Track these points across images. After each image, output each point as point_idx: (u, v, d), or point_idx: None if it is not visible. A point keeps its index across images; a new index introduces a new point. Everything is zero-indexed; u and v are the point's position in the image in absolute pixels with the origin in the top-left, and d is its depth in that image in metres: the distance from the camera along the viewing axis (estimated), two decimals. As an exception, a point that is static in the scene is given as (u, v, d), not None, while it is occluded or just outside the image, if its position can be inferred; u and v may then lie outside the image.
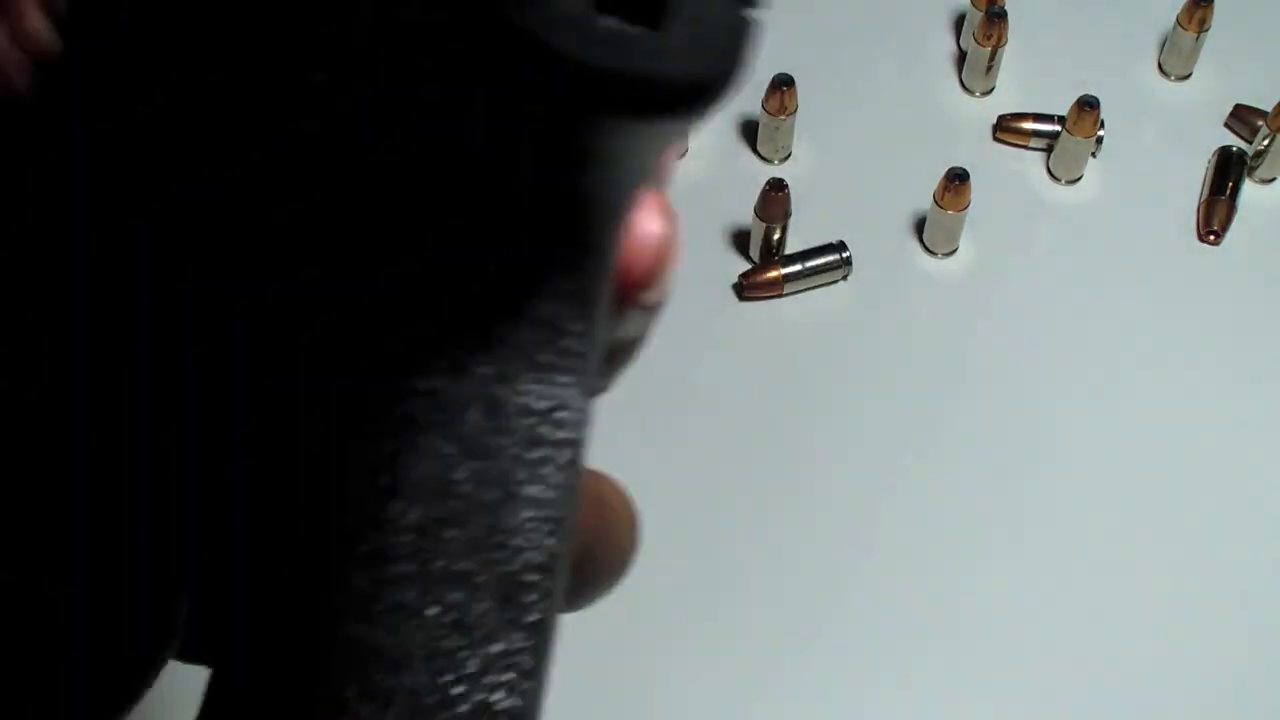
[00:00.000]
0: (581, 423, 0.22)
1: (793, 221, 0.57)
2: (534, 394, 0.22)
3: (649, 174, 0.22)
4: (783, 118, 0.59)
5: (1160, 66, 0.63)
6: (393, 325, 0.22)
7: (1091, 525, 0.52)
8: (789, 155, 0.61)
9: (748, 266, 0.58)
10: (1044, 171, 0.61)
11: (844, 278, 0.57)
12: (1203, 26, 0.61)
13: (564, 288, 0.22)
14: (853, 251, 0.57)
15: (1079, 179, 0.60)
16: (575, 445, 0.22)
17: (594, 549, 0.26)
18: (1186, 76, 0.63)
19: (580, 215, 0.21)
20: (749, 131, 0.61)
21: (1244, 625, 0.50)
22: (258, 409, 0.26)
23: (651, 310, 0.25)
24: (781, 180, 0.56)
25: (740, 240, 0.58)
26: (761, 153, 0.60)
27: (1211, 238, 0.59)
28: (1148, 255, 0.58)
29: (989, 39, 0.60)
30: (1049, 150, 0.60)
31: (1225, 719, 0.49)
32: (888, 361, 0.56)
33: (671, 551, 0.51)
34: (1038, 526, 0.52)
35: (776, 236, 0.57)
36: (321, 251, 0.26)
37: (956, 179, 0.56)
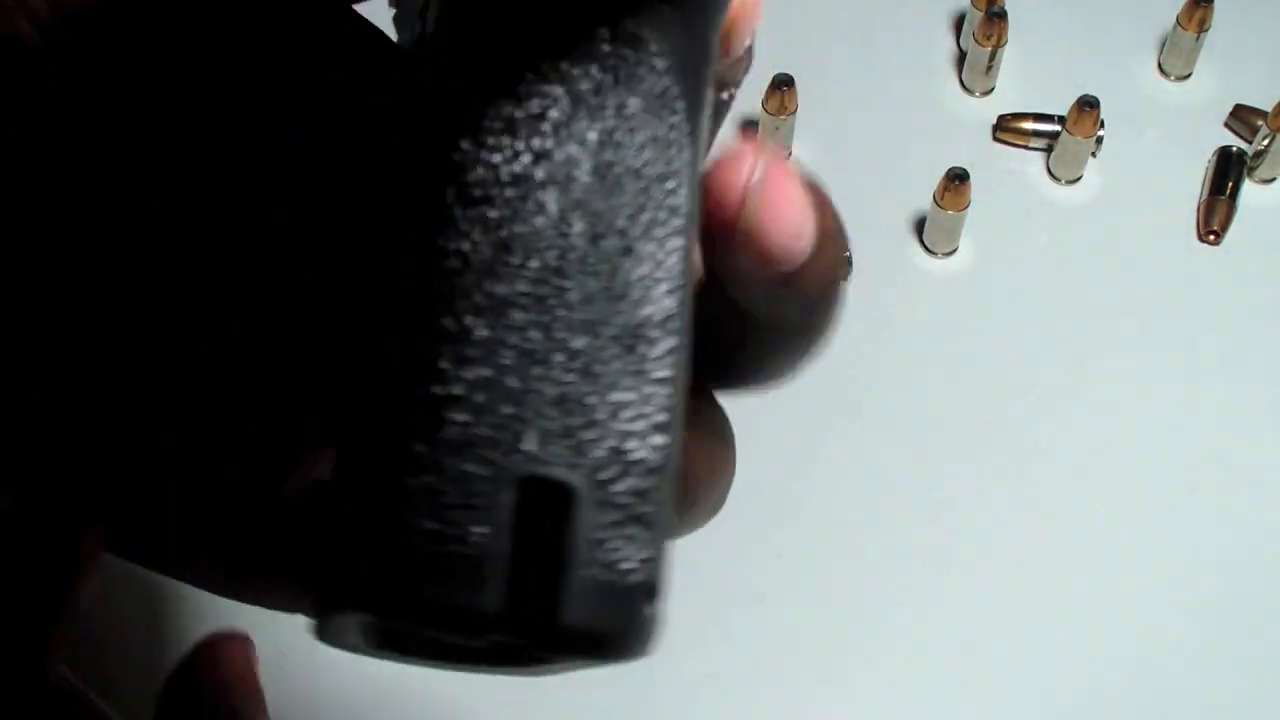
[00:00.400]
0: (691, 198, 0.23)
1: (793, 221, 0.57)
2: (642, 160, 0.22)
3: None
4: (783, 118, 0.59)
5: (1160, 66, 0.63)
6: None
7: (1092, 523, 0.52)
8: (789, 155, 0.61)
9: (748, 266, 0.58)
10: (1044, 171, 0.61)
11: (844, 278, 0.57)
12: (1203, 26, 0.61)
13: (675, 64, 0.22)
14: (853, 251, 0.57)
15: (1079, 179, 0.60)
16: (687, 216, 0.23)
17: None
18: (1186, 76, 0.63)
19: None
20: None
21: (1245, 623, 0.50)
22: (258, 408, 0.26)
23: (736, 67, 0.26)
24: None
25: (740, 240, 0.58)
26: (761, 153, 0.60)
27: (1211, 238, 0.59)
28: (1148, 255, 0.58)
29: (989, 39, 0.60)
30: (1049, 150, 0.60)
31: (1224, 717, 0.49)
32: (888, 361, 0.56)
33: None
34: (1038, 525, 0.52)
35: (776, 236, 0.57)
36: (322, 251, 0.26)
37: (956, 179, 0.56)
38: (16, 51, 0.23)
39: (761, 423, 0.54)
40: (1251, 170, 0.60)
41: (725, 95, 0.26)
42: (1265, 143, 0.59)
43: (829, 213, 0.24)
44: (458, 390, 0.21)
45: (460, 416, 0.21)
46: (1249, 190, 0.60)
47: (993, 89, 0.63)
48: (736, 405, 0.57)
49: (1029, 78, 0.63)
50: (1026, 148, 0.61)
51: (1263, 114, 0.60)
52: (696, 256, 0.24)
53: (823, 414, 0.55)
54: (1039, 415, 0.55)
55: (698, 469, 0.28)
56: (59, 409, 0.25)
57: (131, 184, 0.25)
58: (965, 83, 0.63)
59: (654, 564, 0.22)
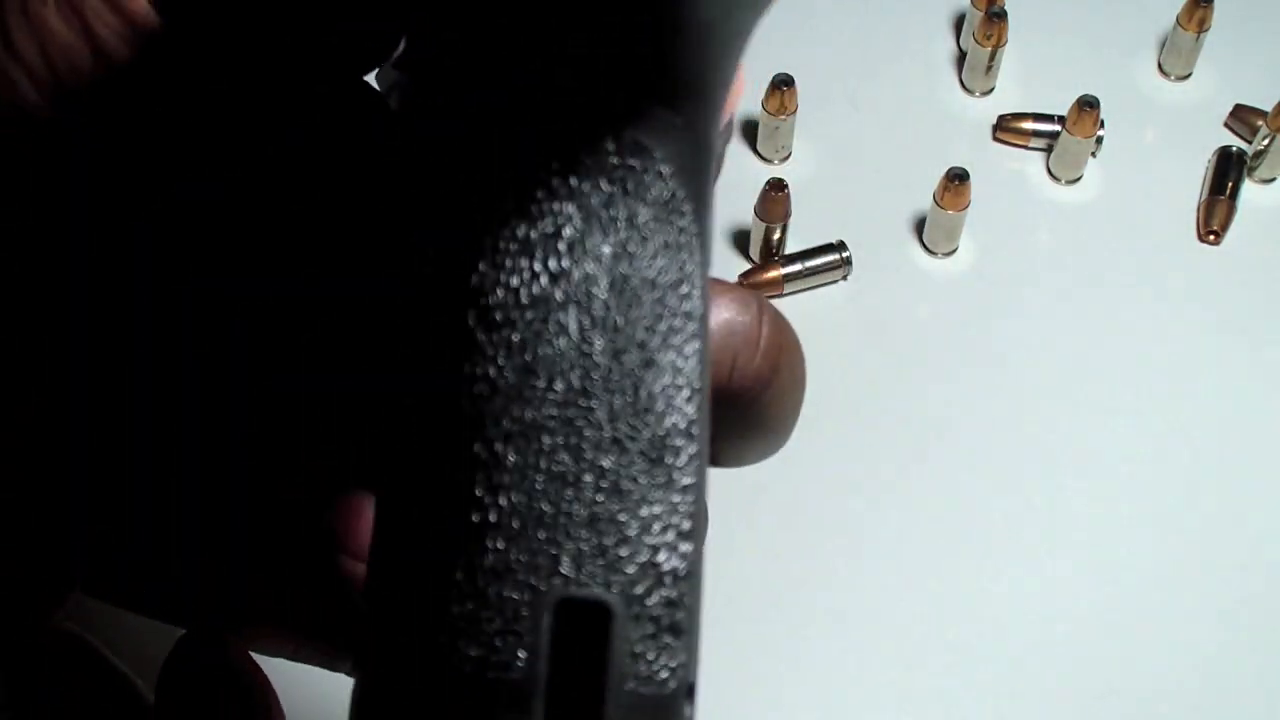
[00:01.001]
0: (703, 298, 0.23)
1: (793, 221, 0.57)
2: (656, 268, 0.23)
3: (744, 41, 0.24)
4: (783, 118, 0.59)
5: (1160, 66, 0.63)
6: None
7: (1091, 524, 0.52)
8: (789, 155, 0.61)
9: (748, 266, 0.58)
10: (1044, 171, 0.61)
11: (844, 278, 0.57)
12: (1203, 26, 0.61)
13: (680, 168, 0.23)
14: (853, 251, 0.57)
15: (1079, 179, 0.60)
16: (700, 319, 0.23)
17: (780, 374, 0.27)
18: (1186, 76, 0.63)
19: (697, 89, 0.23)
20: (749, 131, 0.61)
21: (1244, 624, 0.50)
22: (258, 408, 0.26)
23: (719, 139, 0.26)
24: (781, 180, 0.56)
25: (740, 240, 0.58)
26: (761, 153, 0.60)
27: (1211, 238, 0.59)
28: (1148, 255, 0.58)
29: (989, 39, 0.60)
30: (1049, 150, 0.60)
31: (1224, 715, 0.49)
32: (888, 361, 0.56)
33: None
34: (1037, 525, 0.52)
35: (776, 236, 0.57)
36: (321, 251, 0.26)
37: (956, 179, 0.56)
38: (14, 112, 0.23)
39: (761, 423, 0.54)
40: (1251, 170, 0.60)
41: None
42: (1265, 143, 0.59)
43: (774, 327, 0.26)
44: (493, 517, 0.21)
45: (497, 543, 0.21)
46: (1249, 190, 0.60)
47: (993, 89, 0.63)
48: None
49: (1029, 78, 0.63)
50: (1026, 148, 0.61)
51: (1263, 114, 0.60)
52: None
53: (822, 413, 0.55)
54: (1039, 415, 0.55)
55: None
56: (58, 408, 0.25)
57: (131, 184, 0.25)
58: (965, 83, 0.63)
59: (688, 666, 0.23)
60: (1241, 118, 0.61)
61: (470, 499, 0.21)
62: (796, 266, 0.57)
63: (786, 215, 0.57)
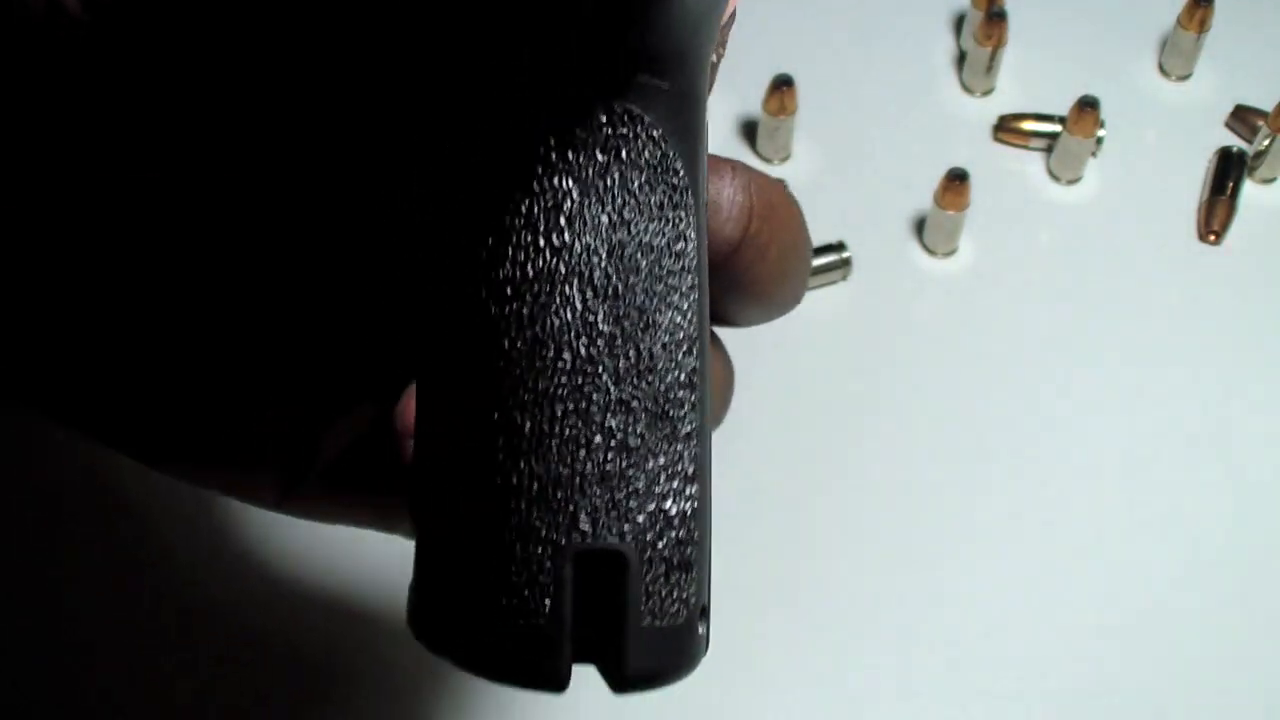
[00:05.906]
0: (698, 250, 0.25)
1: (793, 221, 0.57)
2: (652, 231, 0.24)
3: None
4: (783, 118, 0.59)
5: (1160, 66, 0.63)
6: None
7: (1091, 524, 0.52)
8: (789, 155, 0.61)
9: (748, 266, 0.58)
10: (1044, 171, 0.61)
11: (844, 278, 0.57)
12: (1203, 27, 0.61)
13: (670, 129, 0.24)
14: (853, 251, 0.57)
15: (1079, 179, 0.60)
16: (695, 272, 0.25)
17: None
18: (1186, 76, 0.63)
19: (680, 64, 0.24)
20: (749, 132, 0.61)
21: (1242, 624, 0.50)
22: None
23: (724, 32, 0.27)
24: (781, 180, 0.56)
25: (740, 240, 0.58)
26: (761, 153, 0.60)
27: (1211, 238, 0.59)
28: (1148, 255, 0.58)
29: (989, 39, 0.60)
30: (1049, 150, 0.60)
31: (1222, 717, 0.49)
32: (888, 361, 0.56)
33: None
34: (1038, 525, 0.52)
35: (776, 236, 0.57)
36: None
37: (956, 179, 0.56)
38: (58, 18, 0.23)
39: (761, 422, 0.54)
40: (1252, 170, 0.60)
41: (714, 59, 0.28)
42: (1265, 143, 0.59)
43: (762, 194, 0.27)
44: (515, 480, 0.23)
45: (520, 505, 0.23)
46: (1249, 190, 0.60)
47: (993, 89, 0.63)
48: (733, 404, 0.57)
49: (1029, 78, 0.63)
50: (1026, 148, 0.61)
51: (1263, 114, 0.60)
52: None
53: (822, 414, 0.55)
54: (1039, 415, 0.55)
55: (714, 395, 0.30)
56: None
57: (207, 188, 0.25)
58: (965, 83, 0.63)
59: (699, 593, 0.25)
60: (1242, 118, 0.61)
61: (493, 464, 0.24)
62: (796, 266, 0.57)
63: (786, 215, 0.57)
